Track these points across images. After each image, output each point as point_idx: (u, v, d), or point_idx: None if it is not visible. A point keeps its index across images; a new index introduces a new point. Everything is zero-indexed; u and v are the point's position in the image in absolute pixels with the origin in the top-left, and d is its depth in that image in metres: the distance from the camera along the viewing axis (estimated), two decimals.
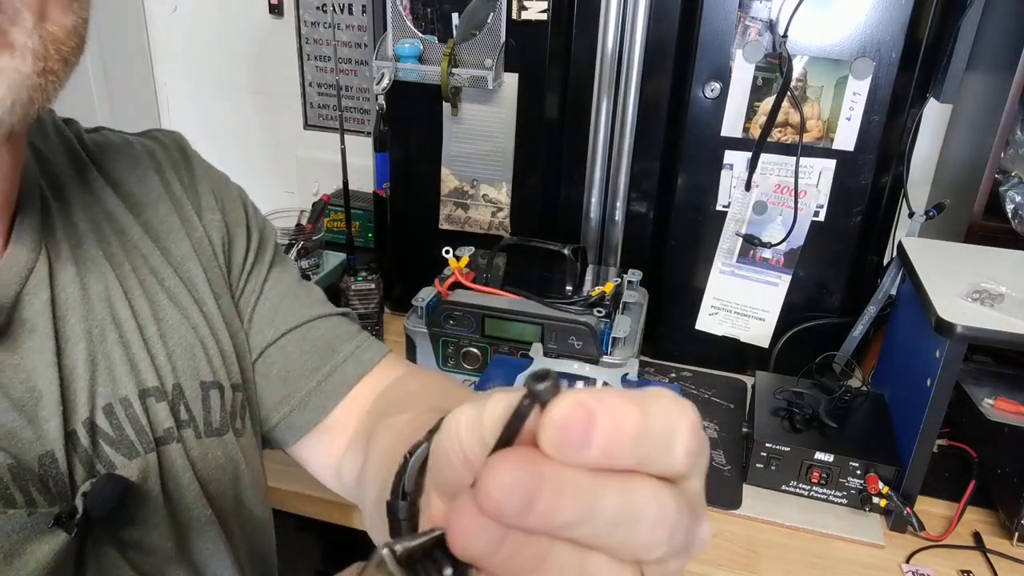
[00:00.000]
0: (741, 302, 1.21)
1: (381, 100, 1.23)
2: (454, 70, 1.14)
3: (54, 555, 0.46)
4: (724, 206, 1.17)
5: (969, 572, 0.90)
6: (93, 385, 0.51)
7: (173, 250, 0.59)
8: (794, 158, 1.09)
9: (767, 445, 0.98)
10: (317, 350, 0.66)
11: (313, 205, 1.37)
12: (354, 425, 0.64)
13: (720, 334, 1.24)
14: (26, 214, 0.49)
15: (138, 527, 0.52)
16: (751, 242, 1.17)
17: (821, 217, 1.14)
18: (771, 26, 1.05)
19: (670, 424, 0.23)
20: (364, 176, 1.43)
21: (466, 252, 1.13)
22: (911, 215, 1.16)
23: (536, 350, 0.93)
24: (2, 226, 0.48)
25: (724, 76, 1.10)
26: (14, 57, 0.39)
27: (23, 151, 0.49)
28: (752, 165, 1.12)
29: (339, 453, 0.65)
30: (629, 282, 1.13)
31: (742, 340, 1.23)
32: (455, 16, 1.14)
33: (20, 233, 0.48)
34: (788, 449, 0.98)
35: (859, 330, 1.14)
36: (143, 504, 0.52)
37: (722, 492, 1.00)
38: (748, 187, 1.14)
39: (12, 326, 0.47)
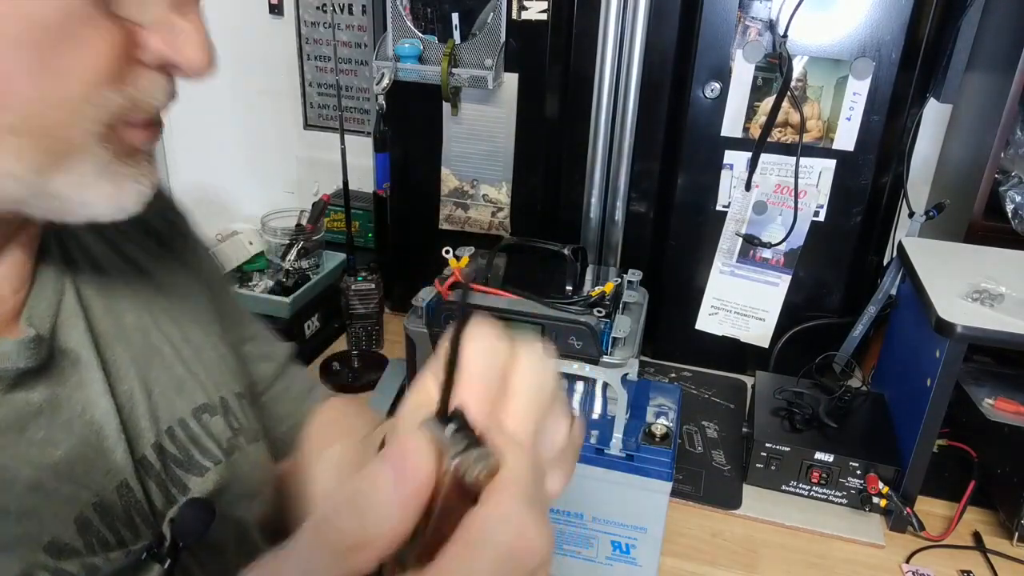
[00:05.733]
0: (741, 302, 1.21)
1: (381, 100, 1.23)
2: (454, 70, 1.14)
3: None
4: (724, 206, 1.17)
5: (969, 572, 0.90)
6: (154, 410, 0.52)
7: (178, 281, 0.61)
8: (794, 158, 1.09)
9: (767, 445, 0.98)
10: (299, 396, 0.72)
11: (313, 205, 1.37)
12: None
13: (720, 334, 1.24)
14: (48, 248, 0.50)
15: (214, 546, 0.53)
16: (751, 242, 1.17)
17: (821, 217, 1.14)
18: (771, 26, 1.05)
19: None
20: (364, 176, 1.43)
21: (466, 252, 1.13)
22: (911, 215, 1.16)
23: None
24: (30, 262, 0.49)
25: (724, 76, 1.10)
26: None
27: None
28: (752, 165, 1.12)
29: None
30: (629, 282, 1.13)
31: (742, 340, 1.23)
32: (455, 16, 1.14)
33: (44, 266, 0.49)
34: (788, 449, 0.98)
35: (859, 330, 1.14)
36: (218, 522, 0.53)
37: (722, 492, 1.00)
38: (748, 187, 1.14)
39: (55, 359, 0.47)
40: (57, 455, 0.45)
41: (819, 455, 0.97)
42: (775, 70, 1.07)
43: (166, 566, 0.47)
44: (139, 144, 0.44)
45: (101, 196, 0.42)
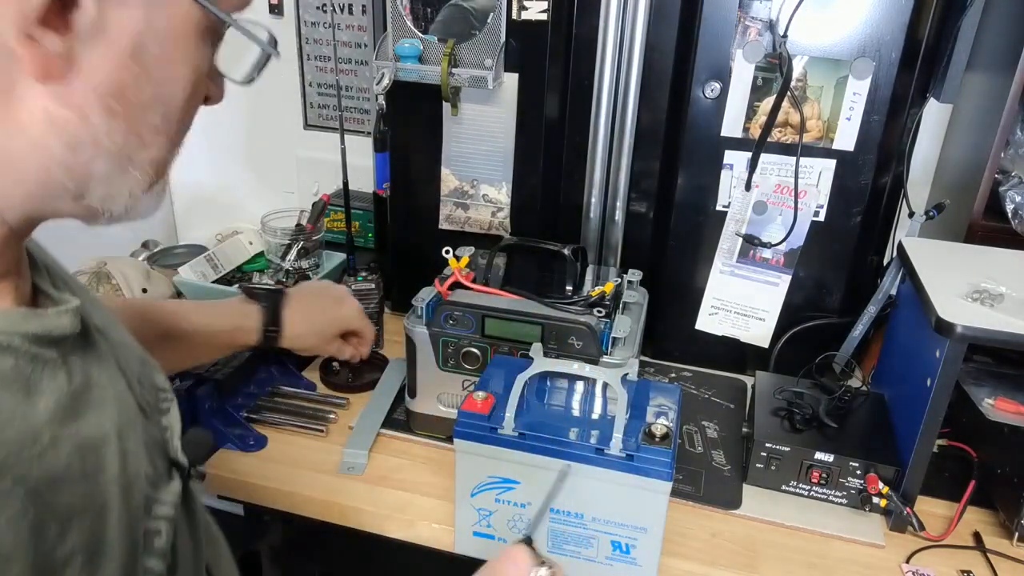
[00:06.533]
0: (741, 302, 1.21)
1: (381, 100, 1.23)
2: (454, 70, 1.14)
3: (178, 496, 0.58)
4: (724, 206, 1.17)
5: (969, 572, 0.90)
6: (127, 361, 0.58)
7: None
8: (794, 158, 1.09)
9: (767, 445, 0.98)
10: None
11: (313, 205, 1.37)
12: None
13: (720, 334, 1.24)
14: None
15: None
16: (751, 242, 1.17)
17: (821, 217, 1.14)
18: (771, 26, 1.05)
19: None
20: (364, 176, 1.43)
21: (466, 252, 1.13)
22: (911, 215, 1.16)
23: (536, 350, 0.93)
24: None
25: (724, 76, 1.10)
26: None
27: None
28: (752, 165, 1.12)
29: None
30: (629, 282, 1.13)
31: (742, 340, 1.23)
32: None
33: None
34: (788, 449, 0.98)
35: (859, 330, 1.14)
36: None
37: (722, 492, 1.00)
38: (748, 187, 1.14)
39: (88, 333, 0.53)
40: (116, 407, 0.52)
41: (819, 455, 0.97)
42: (775, 70, 1.07)
43: (184, 479, 0.59)
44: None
45: (153, 206, 0.52)
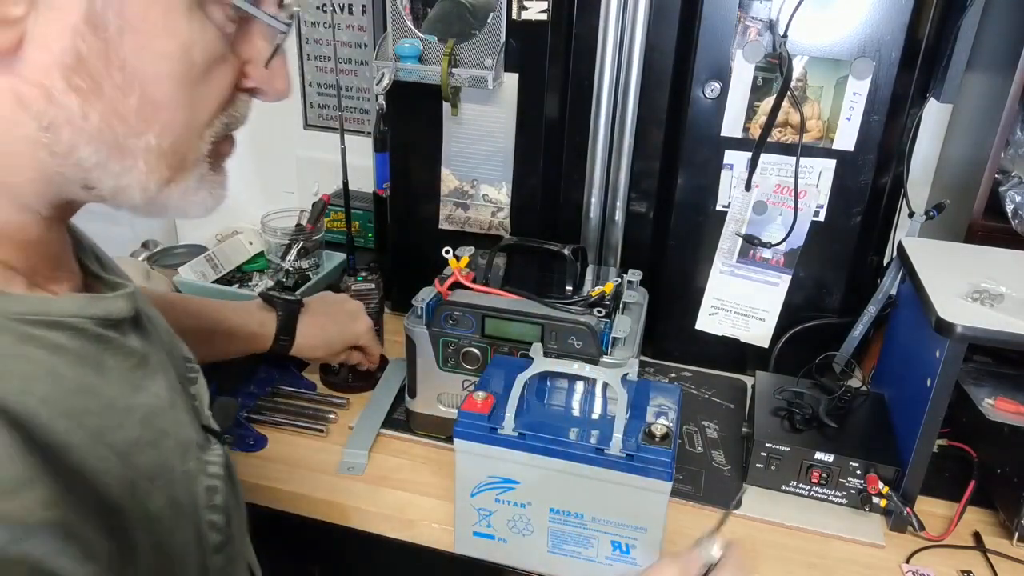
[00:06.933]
0: (741, 302, 1.21)
1: (381, 100, 1.23)
2: (454, 70, 1.14)
3: (223, 458, 0.62)
4: (724, 206, 1.17)
5: (969, 572, 0.90)
6: (168, 343, 0.63)
7: None
8: (794, 158, 1.09)
9: (767, 445, 0.98)
10: None
11: (313, 205, 1.37)
12: None
13: (720, 334, 1.24)
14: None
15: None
16: (751, 242, 1.17)
17: (821, 217, 1.14)
18: (771, 26, 1.05)
19: None
20: (364, 176, 1.43)
21: (466, 252, 1.13)
22: (911, 215, 1.16)
23: (536, 350, 0.93)
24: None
25: (724, 76, 1.10)
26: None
27: None
28: (752, 165, 1.12)
29: None
30: (629, 282, 1.13)
31: (742, 340, 1.23)
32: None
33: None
34: (788, 449, 0.98)
35: (859, 330, 1.14)
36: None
37: (722, 492, 1.00)
38: (748, 187, 1.14)
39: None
40: (165, 380, 0.56)
41: (819, 455, 0.97)
42: (775, 70, 1.07)
43: (222, 445, 0.63)
44: (227, 155, 0.54)
45: (197, 203, 0.52)
